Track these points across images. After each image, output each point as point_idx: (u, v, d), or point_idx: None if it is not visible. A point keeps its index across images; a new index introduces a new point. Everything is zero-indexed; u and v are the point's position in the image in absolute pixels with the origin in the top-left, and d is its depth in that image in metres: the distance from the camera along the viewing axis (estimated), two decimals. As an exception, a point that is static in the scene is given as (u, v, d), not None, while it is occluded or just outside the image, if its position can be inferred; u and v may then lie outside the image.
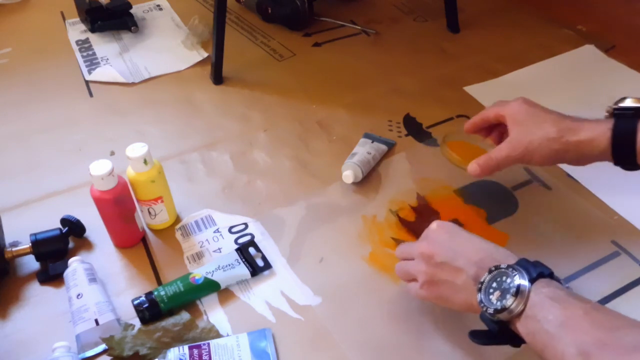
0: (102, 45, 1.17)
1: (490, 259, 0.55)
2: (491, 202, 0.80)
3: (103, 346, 0.63)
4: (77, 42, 1.19)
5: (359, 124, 0.95)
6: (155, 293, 0.67)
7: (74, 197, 0.83)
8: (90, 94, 1.05)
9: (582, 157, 0.65)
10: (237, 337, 0.63)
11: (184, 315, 0.65)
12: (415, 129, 0.94)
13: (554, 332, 0.47)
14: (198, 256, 0.74)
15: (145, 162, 0.70)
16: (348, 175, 0.82)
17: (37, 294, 0.70)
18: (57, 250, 0.73)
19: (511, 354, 0.62)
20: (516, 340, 0.52)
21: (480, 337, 0.55)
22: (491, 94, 1.00)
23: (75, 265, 0.69)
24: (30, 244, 0.72)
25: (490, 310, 0.51)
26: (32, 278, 0.72)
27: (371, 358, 0.62)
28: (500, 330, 0.52)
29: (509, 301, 0.50)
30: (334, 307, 0.68)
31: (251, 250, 0.73)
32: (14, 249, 0.72)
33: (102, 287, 0.69)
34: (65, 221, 0.75)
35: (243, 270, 0.70)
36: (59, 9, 1.29)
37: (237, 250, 0.73)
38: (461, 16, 1.20)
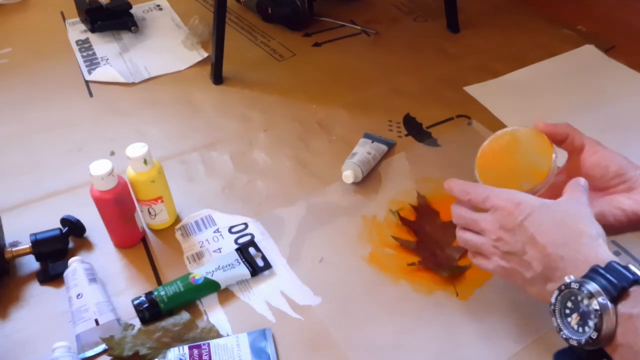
0: (102, 45, 1.17)
1: (559, 262, 0.48)
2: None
3: (103, 346, 0.63)
4: (77, 42, 1.19)
5: (359, 124, 0.95)
6: (155, 293, 0.67)
7: (74, 197, 0.83)
8: (90, 94, 1.05)
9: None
10: (237, 337, 0.63)
11: (184, 315, 0.65)
12: (415, 129, 0.94)
13: None
14: (198, 256, 0.74)
15: (145, 162, 0.70)
16: (348, 175, 0.82)
17: (37, 294, 0.70)
18: (57, 250, 0.73)
19: (512, 353, 0.62)
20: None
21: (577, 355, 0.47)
22: (491, 94, 1.00)
23: (75, 265, 0.69)
24: (30, 244, 0.72)
25: (574, 343, 0.45)
26: (32, 278, 0.72)
27: (371, 358, 0.62)
28: (590, 353, 0.45)
29: (592, 332, 0.42)
30: (334, 307, 0.68)
31: (251, 250, 0.73)
32: (14, 249, 0.72)
33: (102, 287, 0.69)
34: (65, 221, 0.75)
35: (243, 270, 0.70)
36: (59, 9, 1.29)
37: (237, 250, 0.73)
38: (461, 16, 1.20)
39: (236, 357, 0.60)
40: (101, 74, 1.08)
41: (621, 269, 0.44)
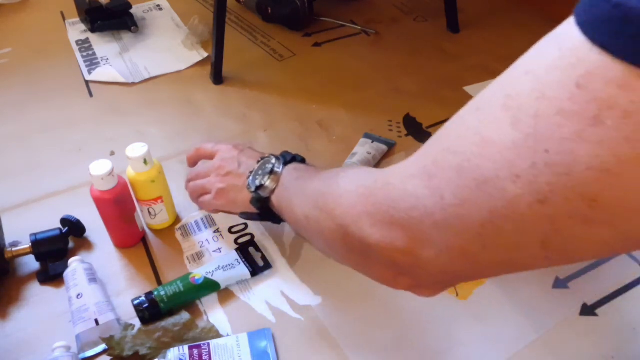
0: (102, 45, 1.17)
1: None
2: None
3: (103, 346, 0.63)
4: (77, 42, 1.19)
5: (359, 124, 0.95)
6: (155, 293, 0.67)
7: (74, 197, 0.83)
8: (90, 94, 1.05)
9: None
10: (237, 337, 0.63)
11: (184, 315, 0.65)
12: (415, 129, 0.94)
13: (291, 198, 0.56)
14: (198, 256, 0.74)
15: (145, 162, 0.70)
16: None
17: (37, 294, 0.70)
18: (57, 250, 0.73)
19: (512, 352, 0.62)
20: (275, 218, 0.64)
21: (248, 216, 0.67)
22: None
23: (75, 265, 0.69)
24: (30, 244, 0.72)
25: (252, 188, 0.62)
26: (32, 278, 0.72)
27: (371, 358, 0.62)
28: (262, 207, 0.63)
29: (265, 179, 0.61)
30: (334, 307, 0.68)
31: (251, 250, 0.73)
32: (14, 249, 0.72)
33: (102, 287, 0.69)
34: (65, 221, 0.75)
35: (243, 270, 0.70)
36: (59, 9, 1.29)
37: (237, 250, 0.73)
38: (461, 16, 1.20)
39: (236, 357, 0.60)
40: (101, 74, 1.08)
41: (296, 155, 0.65)
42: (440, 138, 0.35)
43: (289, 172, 0.60)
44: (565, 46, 0.26)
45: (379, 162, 0.87)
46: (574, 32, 0.26)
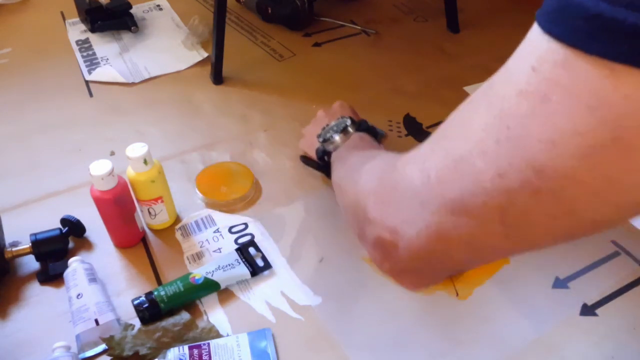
0: (102, 45, 1.17)
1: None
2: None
3: (103, 346, 0.63)
4: (77, 42, 1.19)
5: (359, 124, 0.95)
6: (155, 293, 0.67)
7: (74, 197, 0.83)
8: (90, 94, 1.05)
9: None
10: (237, 337, 0.63)
11: (184, 315, 0.65)
12: (415, 129, 0.94)
13: (341, 161, 0.63)
14: (198, 256, 0.74)
15: (145, 162, 0.70)
16: None
17: (37, 294, 0.70)
18: (57, 250, 0.73)
19: (512, 352, 0.62)
20: (328, 172, 0.71)
21: (307, 161, 0.84)
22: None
23: (75, 265, 0.69)
24: (30, 244, 0.72)
25: (320, 139, 0.72)
26: (32, 278, 0.72)
27: (371, 358, 0.62)
28: (320, 158, 0.76)
29: (335, 135, 0.69)
30: (334, 307, 0.68)
31: (251, 250, 0.73)
32: (14, 249, 0.72)
33: (102, 287, 0.69)
34: (65, 221, 0.75)
35: (243, 270, 0.70)
36: (59, 9, 1.29)
37: (237, 250, 0.73)
38: (461, 16, 1.20)
39: (236, 357, 0.60)
40: (101, 74, 1.08)
41: (373, 127, 0.76)
42: (441, 127, 0.38)
43: (355, 139, 0.68)
44: (528, 37, 0.30)
45: None
46: (534, 25, 0.30)
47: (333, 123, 0.72)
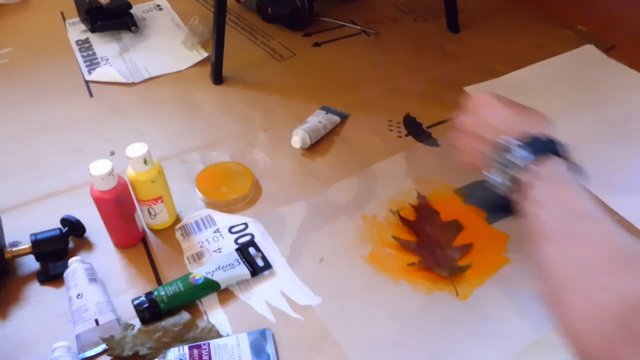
0: (102, 45, 1.17)
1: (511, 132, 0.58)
2: (491, 202, 0.80)
3: (103, 346, 0.63)
4: (77, 42, 1.19)
5: (359, 124, 0.95)
6: (155, 293, 0.67)
7: (74, 197, 0.83)
8: (90, 94, 1.05)
9: None
10: (237, 337, 0.63)
11: (184, 315, 0.65)
12: (415, 129, 0.94)
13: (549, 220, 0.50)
14: (198, 256, 0.74)
15: (145, 162, 0.70)
16: (296, 140, 0.88)
17: (37, 294, 0.70)
18: (57, 250, 0.73)
19: (512, 352, 0.62)
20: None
21: (484, 199, 0.64)
22: (491, 94, 1.00)
23: (75, 265, 0.69)
24: (30, 244, 0.72)
25: (497, 165, 0.56)
26: (32, 278, 0.72)
27: (371, 358, 0.62)
28: (512, 189, 0.56)
29: (526, 160, 0.54)
30: (334, 307, 0.68)
31: (251, 250, 0.73)
32: (14, 249, 0.72)
33: (102, 287, 0.69)
34: (65, 221, 0.75)
35: (243, 270, 0.70)
36: (59, 9, 1.29)
37: (237, 250, 0.73)
38: (461, 16, 1.20)
39: (236, 357, 0.60)
40: (101, 74, 1.08)
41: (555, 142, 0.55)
42: None
43: (562, 179, 0.52)
44: None
45: (330, 131, 0.93)
46: None
47: (515, 142, 0.55)
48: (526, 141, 0.55)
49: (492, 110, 0.62)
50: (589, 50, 1.11)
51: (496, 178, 0.57)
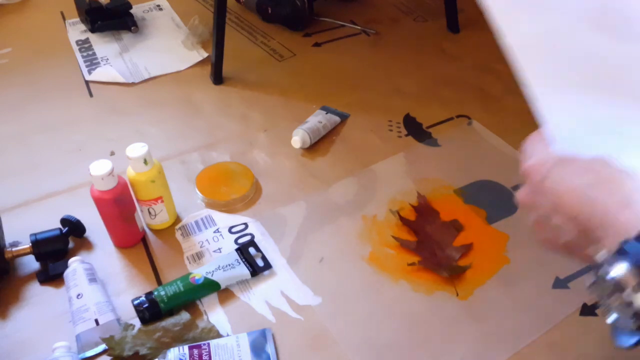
0: (102, 45, 1.17)
1: (590, 218, 0.39)
2: (491, 202, 0.80)
3: (103, 346, 0.63)
4: (77, 42, 1.19)
5: (359, 124, 0.95)
6: (155, 293, 0.67)
7: (74, 197, 0.83)
8: (90, 94, 1.05)
9: None
10: (237, 337, 0.63)
11: (184, 315, 0.65)
12: (415, 129, 0.94)
13: None
14: (198, 256, 0.74)
15: (145, 162, 0.70)
16: (296, 140, 0.88)
17: (37, 294, 0.70)
18: (57, 250, 0.73)
19: (512, 352, 0.62)
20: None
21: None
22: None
23: (75, 265, 0.69)
24: (30, 244, 0.72)
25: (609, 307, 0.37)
26: (32, 278, 0.72)
27: (371, 358, 0.62)
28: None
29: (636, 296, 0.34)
30: (334, 307, 0.68)
31: (251, 250, 0.73)
32: (14, 249, 0.72)
33: (102, 287, 0.69)
34: (65, 221, 0.75)
35: (243, 270, 0.70)
36: (59, 9, 1.29)
37: (237, 250, 0.73)
38: (461, 16, 1.20)
39: (236, 357, 0.60)
40: (101, 74, 1.08)
41: None
42: None
43: None
44: None
45: (330, 131, 0.93)
46: None
47: (617, 261, 0.35)
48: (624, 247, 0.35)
49: (554, 179, 0.42)
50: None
51: (611, 316, 0.37)
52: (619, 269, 0.35)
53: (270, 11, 1.20)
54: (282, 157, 0.89)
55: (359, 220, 0.79)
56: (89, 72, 1.09)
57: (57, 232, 0.74)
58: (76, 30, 1.22)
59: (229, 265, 0.70)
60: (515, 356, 0.62)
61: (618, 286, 0.35)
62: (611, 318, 0.36)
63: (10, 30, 1.23)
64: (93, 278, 0.68)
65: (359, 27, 1.21)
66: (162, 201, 0.74)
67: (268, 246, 0.75)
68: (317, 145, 0.91)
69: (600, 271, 0.36)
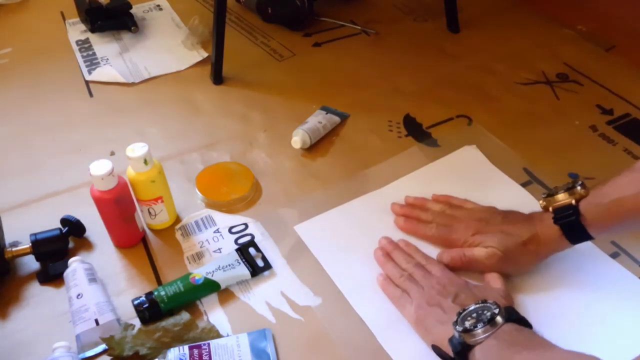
0: (102, 45, 1.17)
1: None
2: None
3: (103, 346, 0.63)
4: (77, 42, 1.19)
5: (359, 124, 0.95)
6: (155, 293, 0.67)
7: (74, 197, 0.83)
8: (90, 94, 1.05)
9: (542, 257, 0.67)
10: (237, 337, 0.63)
11: (184, 315, 0.65)
12: (415, 129, 0.94)
13: None
14: (198, 256, 0.74)
15: (145, 162, 0.70)
16: (296, 140, 0.88)
17: (37, 294, 0.70)
18: (57, 250, 0.73)
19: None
20: None
21: (440, 352, 0.58)
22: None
23: (75, 265, 0.69)
24: (30, 244, 0.72)
25: (459, 328, 0.55)
26: (32, 278, 0.72)
27: (371, 358, 0.62)
28: (458, 353, 0.55)
29: (478, 325, 0.54)
30: (334, 308, 0.68)
31: (251, 250, 0.73)
32: (14, 249, 0.72)
33: (102, 287, 0.69)
34: (65, 221, 0.75)
35: (243, 271, 0.70)
36: (59, 9, 1.29)
37: (237, 250, 0.73)
38: (461, 16, 1.20)
39: (236, 357, 0.60)
40: (101, 74, 1.08)
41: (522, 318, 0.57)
42: None
43: (509, 332, 0.53)
44: None
45: (330, 131, 0.93)
46: None
47: (472, 307, 0.57)
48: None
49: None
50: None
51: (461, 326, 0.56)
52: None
53: (270, 11, 1.20)
54: (282, 157, 0.89)
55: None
56: (89, 72, 1.09)
57: (57, 232, 0.74)
58: (76, 30, 1.22)
59: (229, 265, 0.70)
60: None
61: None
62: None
63: (10, 30, 1.23)
64: (93, 278, 0.68)
65: (359, 27, 1.21)
66: (162, 201, 0.74)
67: (268, 246, 0.75)
68: (317, 145, 0.91)
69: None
